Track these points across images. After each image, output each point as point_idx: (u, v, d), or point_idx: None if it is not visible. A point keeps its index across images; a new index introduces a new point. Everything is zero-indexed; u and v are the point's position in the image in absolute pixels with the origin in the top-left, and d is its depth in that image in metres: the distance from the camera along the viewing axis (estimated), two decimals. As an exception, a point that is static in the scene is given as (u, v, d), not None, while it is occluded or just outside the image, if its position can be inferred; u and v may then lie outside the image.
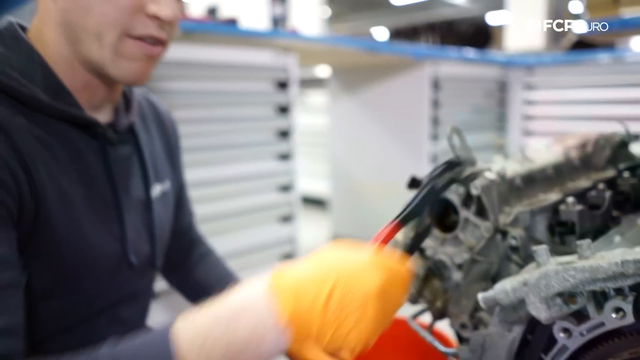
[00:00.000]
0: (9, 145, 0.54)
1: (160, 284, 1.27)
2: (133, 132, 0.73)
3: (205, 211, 1.46)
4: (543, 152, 0.87)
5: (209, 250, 1.00)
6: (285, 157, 1.78)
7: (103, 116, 0.69)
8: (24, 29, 0.64)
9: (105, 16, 0.57)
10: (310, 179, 3.53)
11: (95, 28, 0.58)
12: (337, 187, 2.89)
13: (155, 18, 0.60)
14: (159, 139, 0.84)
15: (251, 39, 1.64)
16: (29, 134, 0.56)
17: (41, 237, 0.58)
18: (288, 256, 1.84)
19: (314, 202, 3.97)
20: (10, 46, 0.59)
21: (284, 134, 1.77)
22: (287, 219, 1.82)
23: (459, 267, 0.68)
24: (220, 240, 1.49)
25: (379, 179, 2.62)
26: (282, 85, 1.74)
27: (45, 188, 0.57)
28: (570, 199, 0.66)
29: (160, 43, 0.63)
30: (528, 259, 0.63)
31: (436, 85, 2.33)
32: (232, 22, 1.61)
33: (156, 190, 0.78)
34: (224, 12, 5.66)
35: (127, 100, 0.75)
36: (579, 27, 3.13)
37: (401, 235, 0.77)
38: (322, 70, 3.38)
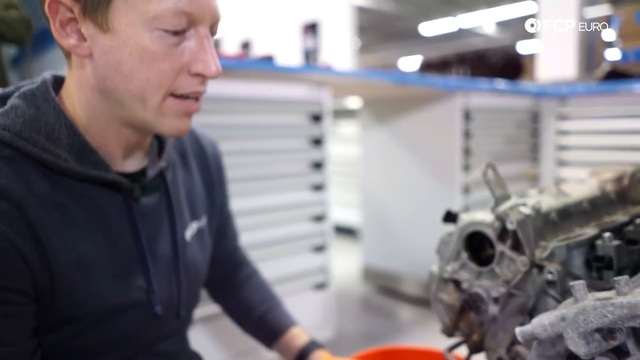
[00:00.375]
0: (23, 222, 0.56)
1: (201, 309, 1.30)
2: (164, 178, 0.75)
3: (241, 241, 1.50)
4: (578, 185, 0.87)
5: (254, 272, 1.02)
6: (318, 187, 1.82)
7: (134, 163, 0.71)
8: (58, 81, 0.67)
9: (148, 81, 0.59)
10: (341, 207, 3.55)
11: (139, 92, 0.60)
12: (368, 218, 2.90)
13: (199, 75, 0.62)
14: (199, 173, 0.86)
15: (287, 74, 1.70)
16: (47, 202, 0.58)
17: (58, 305, 0.60)
18: (320, 286, 1.85)
19: (345, 231, 3.98)
20: (41, 107, 0.61)
21: (318, 165, 1.81)
22: (320, 248, 1.84)
23: (495, 300, 0.69)
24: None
25: (410, 209, 2.62)
26: (316, 118, 1.79)
27: (60, 259, 0.59)
28: (607, 234, 0.66)
29: (199, 97, 0.65)
30: (565, 293, 0.63)
31: (467, 116, 2.34)
32: (268, 59, 1.68)
33: (192, 229, 0.80)
34: (257, 46, 5.82)
35: (160, 142, 0.77)
36: (612, 56, 3.11)
37: (436, 267, 0.78)
38: (353, 101, 3.43)
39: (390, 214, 2.73)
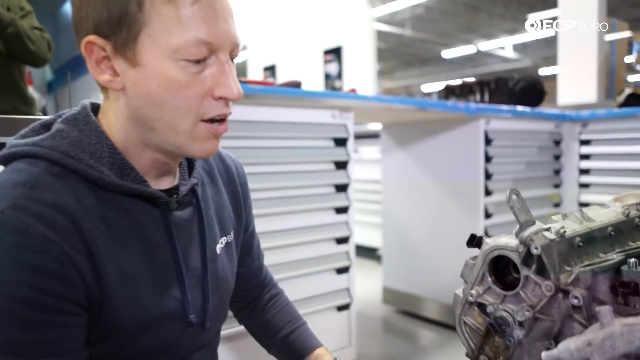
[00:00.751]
0: (76, 235, 0.60)
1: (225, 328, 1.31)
2: (195, 194, 0.78)
3: (265, 262, 1.53)
4: (602, 210, 0.88)
5: (278, 292, 1.04)
6: (342, 210, 1.84)
7: (167, 181, 0.75)
8: (94, 107, 0.72)
9: (178, 108, 0.63)
10: (362, 229, 3.55)
11: (170, 119, 0.64)
12: (389, 240, 2.90)
13: (223, 99, 0.66)
14: (226, 191, 0.89)
15: (313, 99, 1.74)
16: (94, 215, 0.63)
17: (104, 315, 0.64)
18: (343, 307, 1.86)
19: (365, 252, 3.98)
20: (83, 130, 0.67)
21: (341, 188, 1.83)
22: (342, 270, 1.86)
23: (521, 324, 0.70)
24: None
25: (431, 232, 2.62)
26: (340, 141, 1.82)
27: (108, 270, 0.63)
28: (633, 260, 0.67)
29: (225, 119, 0.69)
30: (591, 318, 0.64)
31: (489, 139, 2.36)
32: (296, 85, 1.73)
33: (221, 243, 0.83)
34: (281, 70, 5.92)
35: (189, 161, 0.81)
36: (634, 81, 3.10)
37: (460, 291, 0.80)
38: (374, 125, 3.46)
39: (411, 237, 2.73)
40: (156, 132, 0.66)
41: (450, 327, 2.54)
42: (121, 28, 0.61)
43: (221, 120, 0.68)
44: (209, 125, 0.66)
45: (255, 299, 1.02)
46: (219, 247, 0.82)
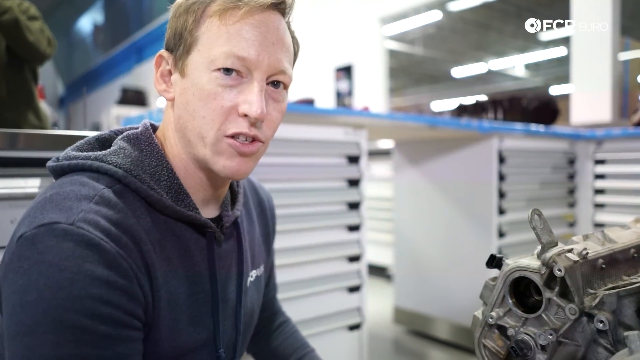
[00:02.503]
0: (139, 255, 0.60)
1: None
2: (237, 226, 0.79)
3: (277, 279, 1.51)
4: (623, 232, 0.86)
5: (286, 320, 1.04)
6: (354, 228, 1.83)
7: (211, 210, 0.75)
8: (154, 127, 0.74)
9: (204, 118, 0.65)
10: (373, 247, 3.53)
11: (198, 129, 0.65)
12: (400, 259, 2.88)
13: (246, 117, 0.66)
14: (258, 224, 0.90)
15: (326, 117, 1.74)
16: (151, 237, 0.63)
17: (149, 338, 0.63)
18: (355, 327, 1.84)
19: (376, 271, 3.95)
20: (145, 151, 0.68)
21: (354, 206, 1.82)
22: (354, 289, 1.84)
23: (543, 348, 0.68)
24: (291, 308, 1.53)
25: (443, 251, 2.60)
26: (353, 159, 1.82)
27: (161, 293, 0.63)
28: (659, 283, 0.65)
29: (254, 140, 0.67)
30: (617, 343, 0.62)
31: (502, 158, 2.34)
32: (310, 102, 1.73)
33: (251, 277, 0.83)
34: (292, 87, 5.96)
35: (233, 192, 0.81)
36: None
37: (479, 313, 0.78)
38: (386, 142, 3.46)
39: (423, 255, 2.71)
40: (191, 145, 0.67)
41: (463, 349, 2.50)
42: (180, 42, 0.67)
43: (251, 141, 0.68)
44: (232, 141, 0.66)
45: (266, 327, 1.02)
46: (249, 281, 0.82)
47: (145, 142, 0.69)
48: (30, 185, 0.97)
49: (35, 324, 0.52)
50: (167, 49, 0.69)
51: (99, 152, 0.66)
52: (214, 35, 0.64)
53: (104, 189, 0.61)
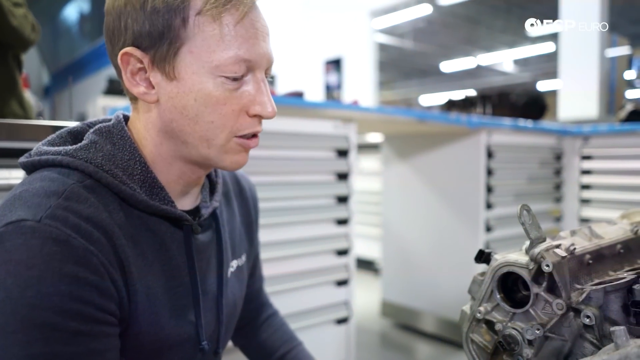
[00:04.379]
0: (111, 250, 0.59)
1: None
2: (215, 217, 0.78)
3: (265, 273, 1.51)
4: (610, 227, 0.87)
5: (274, 312, 1.04)
6: (342, 221, 1.83)
7: (189, 201, 0.74)
8: (127, 118, 0.72)
9: (213, 123, 0.64)
10: (361, 241, 3.54)
11: (204, 133, 0.64)
12: (388, 253, 2.89)
13: (257, 116, 0.66)
14: (239, 213, 0.89)
15: (315, 110, 1.73)
16: (125, 232, 0.62)
17: (129, 333, 0.63)
18: (342, 320, 1.84)
19: (364, 265, 3.96)
20: (117, 144, 0.66)
21: (343, 199, 1.82)
22: (342, 282, 1.84)
23: (530, 343, 0.68)
24: (278, 301, 1.53)
25: (431, 245, 2.61)
26: (342, 152, 1.82)
27: (137, 287, 0.62)
28: (645, 279, 0.66)
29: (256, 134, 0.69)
30: (603, 338, 0.63)
31: (490, 153, 2.35)
32: (299, 95, 1.72)
33: (232, 266, 0.82)
34: (281, 80, 5.95)
35: (211, 182, 0.81)
36: (634, 97, 3.11)
37: (467, 307, 0.78)
38: (375, 136, 3.46)
39: (410, 250, 2.72)
40: (187, 145, 0.66)
41: (449, 342, 2.52)
42: (162, 42, 0.62)
43: (253, 135, 0.69)
44: (242, 140, 0.67)
45: (253, 319, 1.01)
46: (229, 271, 0.81)
47: (118, 135, 0.67)
48: (14, 176, 0.95)
49: (5, 324, 0.51)
50: (135, 47, 0.62)
51: (70, 147, 0.64)
52: (211, 37, 0.62)
53: (73, 184, 0.59)
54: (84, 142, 0.65)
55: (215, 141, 0.65)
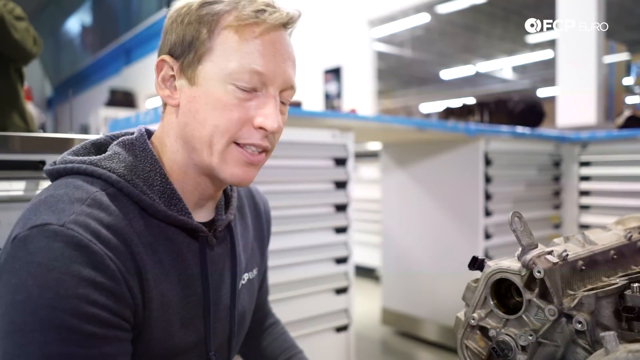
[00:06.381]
0: (129, 258, 0.61)
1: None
2: (230, 230, 0.80)
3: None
4: (604, 233, 0.88)
5: (275, 321, 1.05)
6: (341, 230, 1.83)
7: (205, 213, 0.76)
8: (149, 132, 0.75)
9: (217, 127, 0.66)
10: (361, 248, 3.54)
11: (208, 137, 0.67)
12: (388, 261, 2.89)
13: (261, 129, 0.68)
14: (253, 228, 0.91)
15: (313, 119, 1.75)
16: (143, 240, 0.64)
17: (141, 339, 0.64)
18: (342, 328, 1.84)
19: (364, 272, 3.95)
20: (139, 156, 0.69)
21: (341, 208, 1.83)
22: (341, 290, 1.84)
23: (524, 348, 0.69)
24: (278, 309, 1.53)
25: (430, 253, 2.61)
26: (340, 161, 1.83)
27: (152, 295, 0.64)
28: (637, 285, 0.66)
29: (263, 151, 0.71)
30: (595, 344, 0.63)
31: (489, 160, 2.36)
32: (297, 105, 1.74)
33: (244, 279, 0.84)
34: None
35: (227, 197, 0.83)
36: (632, 103, 3.12)
37: (462, 314, 0.79)
38: (373, 144, 3.47)
39: (410, 257, 2.72)
40: (196, 152, 0.68)
41: (450, 349, 2.52)
42: (190, 50, 0.67)
43: (259, 151, 0.71)
44: (242, 150, 0.69)
45: (256, 328, 1.02)
46: (241, 284, 0.83)
47: (140, 147, 0.70)
48: (15, 188, 0.96)
49: (24, 323, 0.53)
50: (170, 55, 0.69)
51: (94, 157, 0.67)
52: (231, 48, 0.66)
53: (97, 192, 0.62)
54: (107, 152, 0.69)
55: (217, 147, 0.67)
